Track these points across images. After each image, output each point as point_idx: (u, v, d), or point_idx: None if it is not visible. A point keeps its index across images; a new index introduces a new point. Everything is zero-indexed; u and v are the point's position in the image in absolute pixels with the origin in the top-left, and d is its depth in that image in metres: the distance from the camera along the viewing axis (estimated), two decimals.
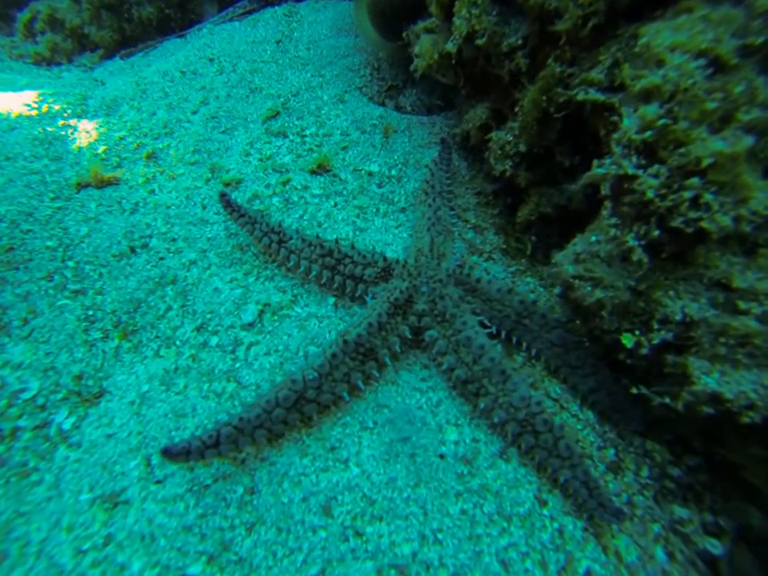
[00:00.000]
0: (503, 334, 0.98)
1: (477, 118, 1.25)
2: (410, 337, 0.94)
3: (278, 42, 1.97)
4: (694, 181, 0.62)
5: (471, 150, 1.42)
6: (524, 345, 0.98)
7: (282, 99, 1.69)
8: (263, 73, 1.82)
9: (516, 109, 1.06)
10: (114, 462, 0.89)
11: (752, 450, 0.82)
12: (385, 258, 1.03)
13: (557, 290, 0.92)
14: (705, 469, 0.94)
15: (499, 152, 1.12)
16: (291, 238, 1.08)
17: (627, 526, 0.87)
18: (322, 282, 1.07)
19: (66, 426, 0.97)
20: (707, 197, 0.62)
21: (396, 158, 1.46)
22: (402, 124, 1.60)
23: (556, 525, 0.83)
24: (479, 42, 1.05)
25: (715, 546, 0.87)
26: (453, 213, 1.22)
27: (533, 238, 1.26)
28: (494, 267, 1.20)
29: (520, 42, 1.00)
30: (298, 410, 0.85)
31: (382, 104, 1.76)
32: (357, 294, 1.03)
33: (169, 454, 0.77)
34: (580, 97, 0.79)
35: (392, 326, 0.92)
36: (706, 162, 0.60)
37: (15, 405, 0.98)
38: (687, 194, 0.63)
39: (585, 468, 0.81)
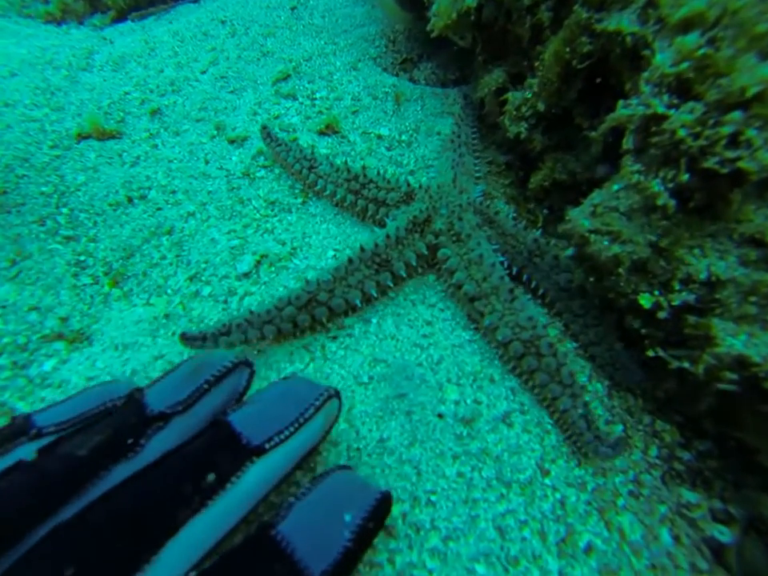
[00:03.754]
0: (514, 270, 0.95)
1: (493, 82, 1.20)
2: (426, 254, 0.94)
3: (292, 9, 1.93)
4: (735, 115, 0.57)
5: (484, 120, 1.37)
6: (533, 283, 0.95)
7: (293, 63, 1.65)
8: (276, 37, 1.78)
9: (536, 64, 1.01)
10: None
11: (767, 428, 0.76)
12: (408, 184, 1.04)
13: (570, 251, 0.87)
14: (716, 455, 0.90)
15: (515, 113, 1.07)
16: (321, 164, 1.12)
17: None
18: (346, 204, 1.10)
19: (47, 367, 0.93)
20: (749, 133, 0.57)
21: (407, 124, 1.41)
22: (415, 93, 1.56)
23: (558, 495, 0.78)
24: None
25: (724, 534, 0.82)
26: (476, 162, 1.20)
27: (545, 210, 1.21)
28: None
29: None
30: (308, 311, 0.84)
31: (396, 75, 1.72)
32: (378, 217, 1.05)
33: (186, 337, 0.80)
34: (611, 26, 0.74)
35: (409, 242, 0.92)
36: (751, 92, 0.55)
37: None
38: (726, 130, 0.58)
39: (585, 400, 0.78)
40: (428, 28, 1.28)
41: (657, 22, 0.67)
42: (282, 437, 0.58)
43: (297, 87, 1.55)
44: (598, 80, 0.92)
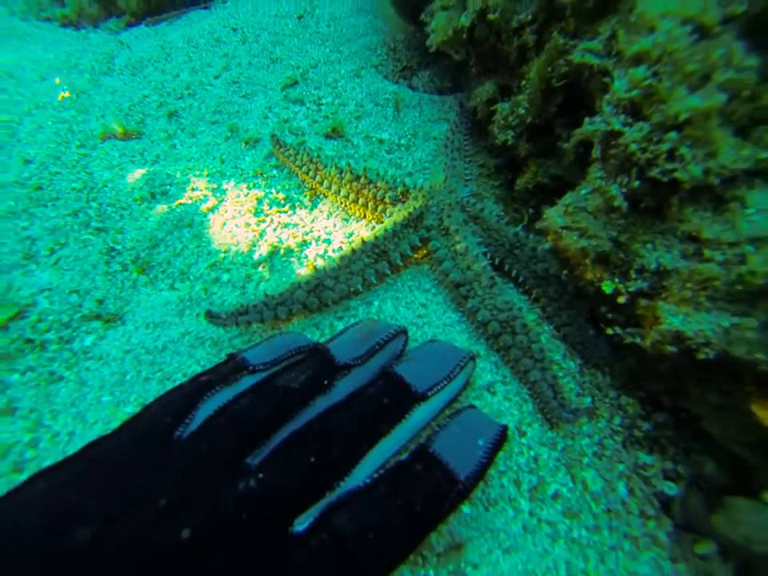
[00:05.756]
0: (497, 260, 1.09)
1: (484, 93, 1.33)
2: (419, 245, 1.08)
3: (299, 18, 2.05)
4: (672, 135, 0.70)
5: (477, 126, 1.50)
6: (513, 272, 1.08)
7: (300, 70, 1.77)
8: (284, 45, 1.90)
9: (523, 83, 1.14)
10: (128, 372, 0.98)
11: (709, 398, 0.89)
12: (404, 184, 1.18)
13: (546, 245, 1.00)
14: (671, 425, 1.01)
15: (502, 122, 1.20)
16: (326, 167, 1.25)
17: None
18: (349, 202, 1.23)
19: (88, 342, 1.05)
20: (682, 149, 0.70)
21: (406, 129, 1.54)
22: (414, 100, 1.69)
23: (532, 453, 0.90)
24: (491, 16, 1.13)
25: (671, 489, 0.94)
26: (467, 166, 1.34)
27: (530, 210, 1.34)
28: None
29: (529, 17, 1.08)
30: (316, 294, 0.96)
31: (396, 82, 1.84)
32: (377, 213, 1.20)
33: (210, 315, 0.93)
34: (577, 59, 0.87)
35: (404, 235, 1.05)
36: (683, 117, 0.68)
37: (44, 321, 1.06)
38: (665, 147, 0.71)
39: (553, 373, 0.90)
40: (427, 43, 1.41)
41: (615, 54, 0.81)
42: (439, 387, 0.77)
43: (304, 93, 1.68)
44: (574, 95, 1.05)
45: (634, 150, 0.74)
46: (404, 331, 0.87)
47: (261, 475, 0.62)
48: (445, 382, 0.78)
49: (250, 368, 0.76)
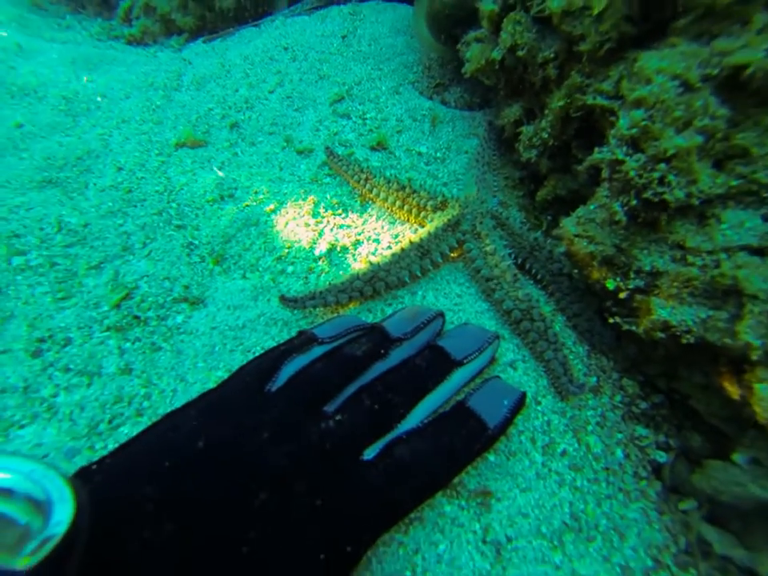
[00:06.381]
0: (519, 260, 1.29)
1: (512, 115, 1.53)
2: (456, 246, 1.30)
3: (343, 37, 2.26)
4: (662, 166, 0.89)
5: (504, 142, 1.69)
6: (533, 270, 1.29)
7: (346, 87, 1.98)
8: (330, 63, 2.11)
9: (545, 110, 1.34)
10: (216, 344, 1.20)
11: (695, 379, 1.06)
12: (443, 195, 1.39)
13: (561, 248, 1.19)
14: (666, 406, 1.16)
15: (527, 142, 1.40)
16: (375, 177, 1.47)
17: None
18: (395, 208, 1.45)
19: (179, 320, 1.28)
20: (670, 177, 0.88)
21: (441, 143, 1.74)
22: (447, 116, 1.88)
23: (546, 418, 1.06)
24: (520, 53, 1.32)
25: (662, 457, 1.09)
26: (495, 178, 1.54)
27: (549, 218, 1.54)
28: None
29: (552, 55, 1.27)
30: (371, 284, 1.18)
31: (431, 98, 2.04)
32: (419, 219, 1.42)
33: (284, 298, 1.14)
34: (589, 101, 1.07)
35: (444, 238, 1.26)
36: (670, 152, 0.86)
37: (145, 301, 1.29)
38: (656, 174, 0.89)
39: (564, 354, 1.08)
40: (462, 70, 1.61)
41: (620, 98, 1.00)
42: (472, 357, 0.96)
43: (350, 108, 1.89)
44: (589, 123, 1.24)
45: (633, 176, 0.93)
46: (442, 314, 1.07)
47: (337, 418, 0.79)
48: (477, 353, 0.98)
49: (319, 340, 0.95)
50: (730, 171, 0.88)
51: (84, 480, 0.64)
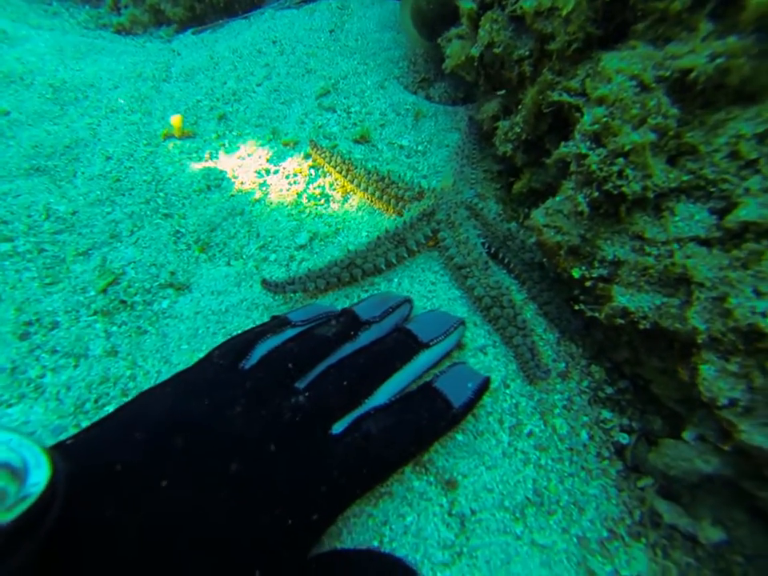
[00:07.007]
0: (492, 249, 1.36)
1: (490, 110, 1.58)
2: (431, 235, 1.35)
3: (331, 32, 2.29)
4: (620, 160, 0.94)
5: (484, 136, 1.74)
6: (506, 260, 1.34)
7: (332, 81, 2.02)
8: (317, 57, 2.15)
9: (519, 107, 1.39)
10: (200, 328, 1.25)
11: (653, 363, 1.11)
12: (420, 186, 1.45)
13: (533, 239, 1.25)
14: (631, 391, 1.20)
15: (503, 136, 1.45)
16: (356, 168, 1.52)
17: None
18: (375, 198, 1.50)
19: (164, 305, 1.32)
20: (627, 171, 0.93)
21: (423, 137, 1.79)
22: (430, 111, 1.93)
23: (514, 401, 1.11)
24: (496, 50, 1.37)
25: (625, 439, 1.13)
26: (474, 171, 1.59)
27: (526, 209, 1.59)
28: None
29: (527, 53, 1.32)
30: (348, 270, 1.23)
31: (415, 93, 2.09)
32: (397, 209, 1.48)
33: (265, 282, 1.19)
34: (555, 98, 1.12)
35: (419, 227, 1.32)
36: (627, 148, 0.92)
37: (132, 287, 1.34)
38: (615, 168, 0.94)
39: (533, 339, 1.14)
40: (443, 66, 1.65)
41: (584, 95, 1.05)
42: (438, 340, 1.00)
43: (335, 101, 1.93)
44: (560, 118, 1.29)
45: (595, 169, 0.98)
46: (409, 300, 1.13)
47: (307, 393, 0.82)
48: (442, 337, 1.03)
49: (292, 323, 1.00)
50: (682, 167, 0.94)
51: (60, 451, 0.66)
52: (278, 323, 0.98)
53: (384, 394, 0.90)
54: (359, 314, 1.03)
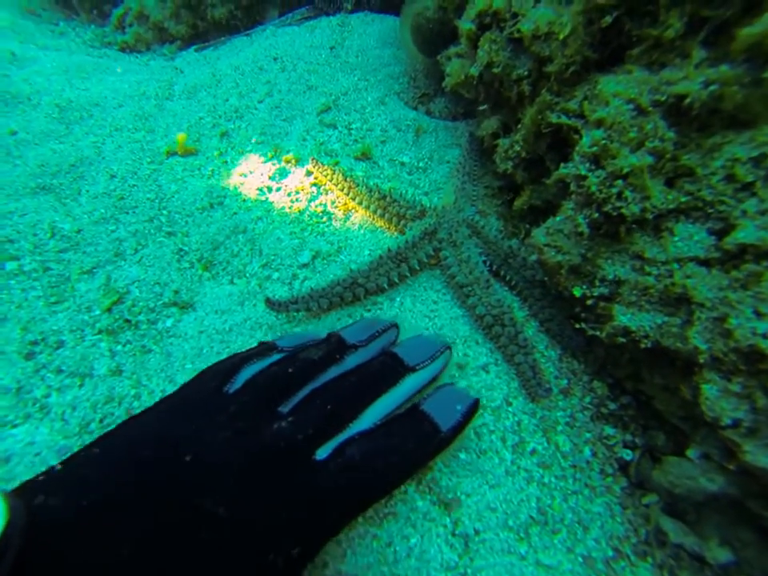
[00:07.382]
0: (494, 267, 1.36)
1: (489, 128, 1.60)
2: (432, 254, 1.36)
3: (331, 48, 2.32)
4: (619, 182, 0.95)
5: (484, 152, 1.76)
6: (507, 277, 1.35)
7: (333, 97, 2.04)
8: (318, 73, 2.17)
9: (519, 125, 1.41)
10: (204, 347, 1.26)
11: (655, 380, 1.11)
12: (422, 204, 1.46)
13: (534, 257, 1.26)
14: (633, 407, 1.20)
15: (504, 154, 1.47)
16: (358, 185, 1.53)
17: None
18: (376, 216, 1.51)
19: (168, 323, 1.34)
20: (626, 192, 0.95)
21: (424, 153, 1.81)
22: (431, 126, 1.95)
23: (516, 418, 1.11)
24: (495, 70, 1.39)
25: (629, 455, 1.13)
26: (475, 188, 1.60)
27: (527, 226, 1.61)
28: None
29: (525, 73, 1.34)
30: (351, 290, 1.24)
31: (415, 108, 2.11)
32: (399, 227, 1.49)
33: (268, 302, 1.19)
34: (554, 120, 1.14)
35: (421, 246, 1.32)
36: (626, 170, 0.93)
37: (136, 305, 1.35)
38: (614, 190, 0.95)
39: (534, 357, 1.14)
40: (443, 84, 1.67)
41: (583, 117, 1.07)
42: (425, 364, 0.98)
43: (337, 118, 1.95)
44: (560, 137, 1.31)
45: (594, 190, 1.00)
46: (396, 325, 1.12)
47: (290, 418, 0.80)
48: (429, 361, 1.01)
49: (279, 348, 0.99)
50: (680, 188, 0.95)
51: (30, 490, 0.65)
52: (264, 348, 0.97)
53: (369, 417, 0.88)
54: (345, 338, 1.00)
